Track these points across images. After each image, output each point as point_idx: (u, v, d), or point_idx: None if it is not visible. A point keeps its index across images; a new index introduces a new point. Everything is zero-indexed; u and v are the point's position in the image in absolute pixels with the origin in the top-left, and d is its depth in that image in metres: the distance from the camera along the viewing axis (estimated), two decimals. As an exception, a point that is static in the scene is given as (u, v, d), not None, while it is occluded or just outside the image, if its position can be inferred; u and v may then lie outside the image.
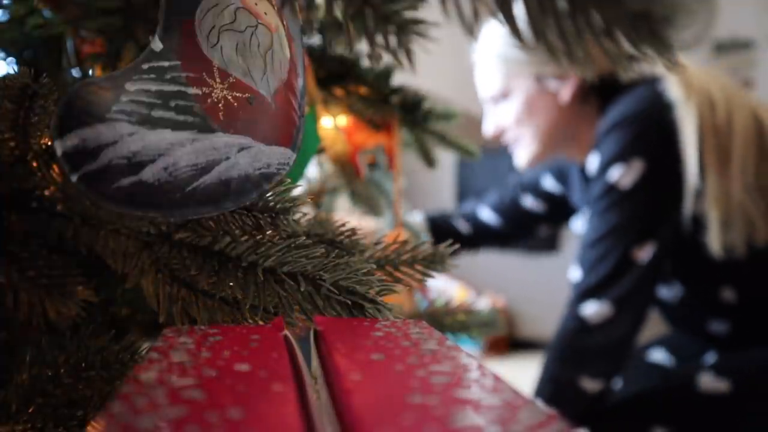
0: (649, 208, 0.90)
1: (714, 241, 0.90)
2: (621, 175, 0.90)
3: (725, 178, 0.89)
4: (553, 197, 1.17)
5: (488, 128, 1.10)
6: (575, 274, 0.94)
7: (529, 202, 1.19)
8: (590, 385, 0.88)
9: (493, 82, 1.05)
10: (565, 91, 1.00)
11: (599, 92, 1.00)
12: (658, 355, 1.12)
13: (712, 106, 0.91)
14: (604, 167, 0.92)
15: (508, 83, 1.03)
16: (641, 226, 0.90)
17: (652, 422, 0.90)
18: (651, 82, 0.96)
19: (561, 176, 1.16)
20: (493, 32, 1.04)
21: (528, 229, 1.21)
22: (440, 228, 1.16)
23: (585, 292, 0.91)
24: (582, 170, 1.08)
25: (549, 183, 1.18)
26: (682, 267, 0.98)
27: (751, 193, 0.89)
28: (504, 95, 1.05)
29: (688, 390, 0.91)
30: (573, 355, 0.90)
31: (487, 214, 1.21)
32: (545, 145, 1.05)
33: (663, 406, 0.92)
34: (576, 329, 0.90)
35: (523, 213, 1.19)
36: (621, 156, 0.90)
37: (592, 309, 0.89)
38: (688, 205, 0.90)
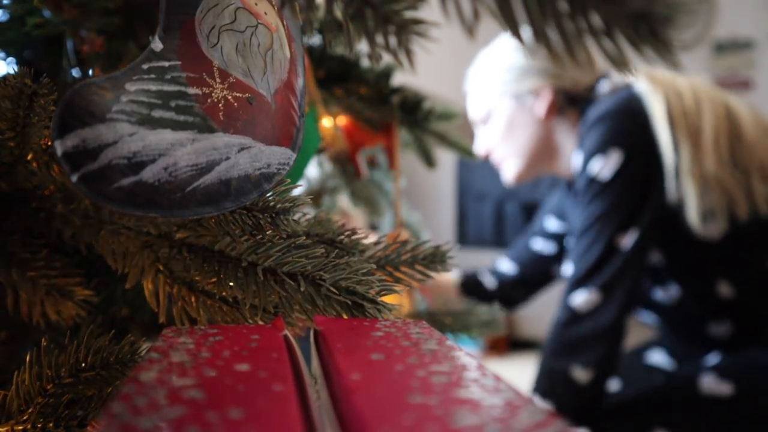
0: (630, 195, 0.93)
1: (692, 214, 0.92)
2: (600, 166, 0.93)
3: (698, 153, 0.92)
4: (559, 236, 1.21)
5: (479, 149, 1.15)
6: (568, 269, 0.96)
7: (539, 244, 1.23)
8: (582, 375, 0.89)
9: (478, 105, 1.12)
10: (540, 105, 1.05)
11: (575, 104, 1.05)
12: (658, 357, 1.12)
13: (679, 95, 0.96)
14: (585, 162, 0.96)
15: (491, 105, 1.09)
16: (623, 214, 0.92)
17: (653, 424, 0.90)
18: (625, 89, 1.01)
19: (560, 214, 1.21)
20: (479, 57, 1.11)
21: (545, 271, 1.24)
22: (469, 287, 1.20)
23: (574, 283, 0.93)
24: (570, 187, 1.11)
25: (552, 224, 1.22)
26: (674, 262, 0.99)
27: (727, 168, 0.91)
28: (489, 116, 1.11)
29: (690, 392, 0.91)
30: (565, 345, 0.92)
31: (505, 266, 1.25)
32: (528, 160, 1.10)
33: (664, 407, 0.92)
34: (567, 320, 0.92)
35: (535, 256, 1.24)
36: (599, 149, 0.94)
37: (581, 298, 0.91)
38: (670, 188, 0.93)
